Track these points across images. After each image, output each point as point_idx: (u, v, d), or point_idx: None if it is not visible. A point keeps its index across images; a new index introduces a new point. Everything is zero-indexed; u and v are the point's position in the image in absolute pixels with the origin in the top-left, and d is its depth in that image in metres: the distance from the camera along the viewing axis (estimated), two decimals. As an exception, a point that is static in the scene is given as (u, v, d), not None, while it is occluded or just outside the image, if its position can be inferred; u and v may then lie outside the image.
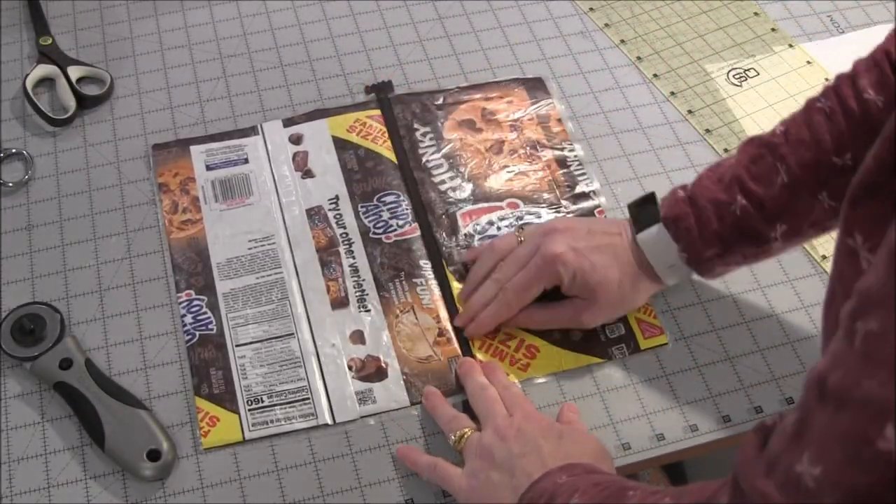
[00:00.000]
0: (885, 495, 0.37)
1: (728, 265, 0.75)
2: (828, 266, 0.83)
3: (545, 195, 0.87)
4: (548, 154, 0.90)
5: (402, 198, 0.86)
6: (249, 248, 0.83)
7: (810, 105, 0.71)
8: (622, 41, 1.00)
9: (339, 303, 0.80)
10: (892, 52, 0.67)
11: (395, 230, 0.84)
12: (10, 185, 0.86)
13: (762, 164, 0.71)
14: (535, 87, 0.95)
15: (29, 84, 0.91)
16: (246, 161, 0.88)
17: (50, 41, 0.96)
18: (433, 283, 0.81)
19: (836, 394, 0.39)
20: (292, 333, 0.78)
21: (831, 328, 0.48)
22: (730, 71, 0.97)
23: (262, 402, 0.74)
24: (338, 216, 0.85)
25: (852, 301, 0.40)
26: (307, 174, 0.88)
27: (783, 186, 0.70)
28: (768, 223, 0.71)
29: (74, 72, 0.93)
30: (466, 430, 0.71)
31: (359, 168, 0.88)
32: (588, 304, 0.76)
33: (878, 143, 0.45)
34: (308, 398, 0.75)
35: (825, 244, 0.85)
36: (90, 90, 0.93)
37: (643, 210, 0.76)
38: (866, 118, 0.67)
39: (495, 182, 0.88)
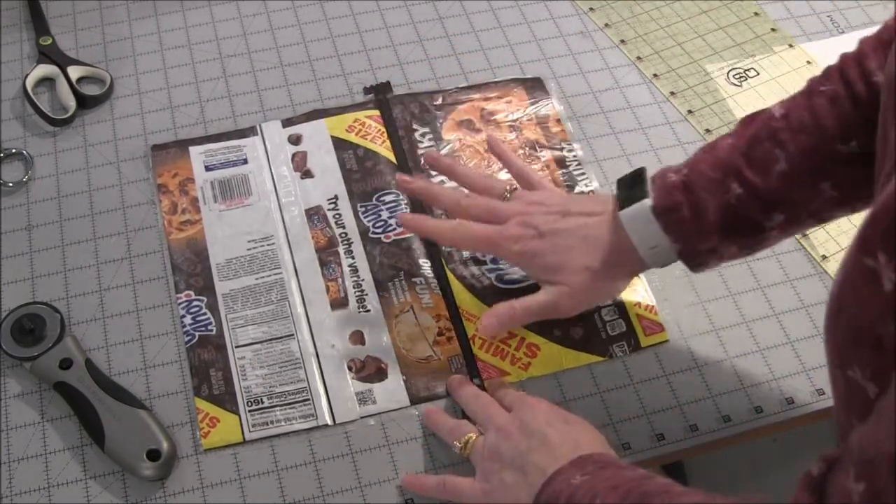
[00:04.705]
0: None
1: (722, 258, 0.71)
2: (828, 266, 0.83)
3: (545, 195, 0.87)
4: (547, 154, 0.90)
5: (401, 197, 0.86)
6: (249, 249, 0.83)
7: (812, 87, 0.67)
8: (622, 41, 1.00)
9: (339, 303, 0.80)
10: None
11: (395, 229, 0.84)
12: (10, 185, 0.86)
13: (760, 150, 0.67)
14: (534, 87, 0.95)
15: (29, 84, 0.91)
16: (245, 161, 0.88)
17: (50, 41, 0.96)
18: (433, 283, 0.81)
19: None
20: (292, 334, 0.78)
21: (838, 341, 0.46)
22: (730, 71, 0.97)
23: (262, 403, 0.74)
24: (337, 216, 0.85)
25: None
26: (306, 174, 0.88)
27: (782, 175, 0.66)
28: (765, 213, 0.67)
29: (74, 72, 0.93)
30: (471, 435, 0.70)
31: (358, 168, 0.88)
32: (558, 290, 0.73)
33: None
34: (308, 399, 0.75)
35: (826, 244, 0.85)
36: (90, 90, 0.93)
37: (631, 187, 0.71)
38: (875, 102, 0.61)
39: (495, 182, 0.88)
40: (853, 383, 0.45)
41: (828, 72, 0.67)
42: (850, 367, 0.46)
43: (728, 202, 0.67)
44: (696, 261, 0.71)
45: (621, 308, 0.80)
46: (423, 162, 0.86)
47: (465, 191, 0.81)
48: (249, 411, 0.74)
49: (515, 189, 0.79)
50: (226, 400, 0.74)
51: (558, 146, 0.91)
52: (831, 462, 0.43)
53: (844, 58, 0.67)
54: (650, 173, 0.72)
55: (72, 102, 0.90)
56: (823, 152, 0.65)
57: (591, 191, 0.88)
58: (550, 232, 0.73)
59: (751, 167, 0.67)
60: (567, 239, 0.73)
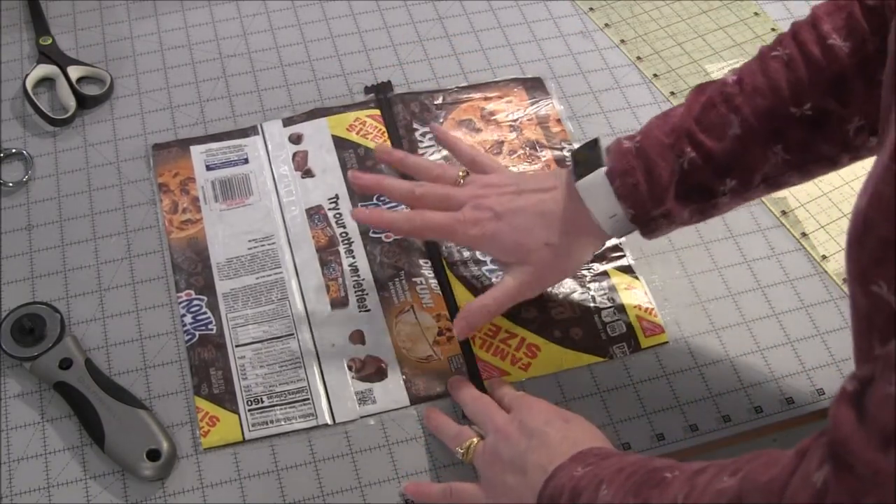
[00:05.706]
0: None
1: (674, 223, 0.70)
2: (828, 266, 0.83)
3: (545, 195, 0.87)
4: (547, 154, 0.90)
5: (401, 198, 0.86)
6: (249, 248, 0.83)
7: (765, 53, 0.68)
8: (622, 41, 1.00)
9: (339, 303, 0.80)
10: None
11: (395, 230, 0.84)
12: (10, 185, 0.86)
13: (714, 115, 0.67)
14: (534, 86, 0.95)
15: (29, 84, 0.91)
16: (246, 161, 0.88)
17: (50, 41, 0.96)
18: (433, 283, 0.81)
19: None
20: (292, 334, 0.78)
21: (864, 258, 0.46)
22: (730, 71, 0.97)
23: (262, 402, 0.74)
24: (338, 216, 0.85)
25: None
26: (307, 174, 0.88)
27: (736, 138, 0.66)
28: (718, 177, 0.68)
29: (74, 72, 0.93)
30: (472, 440, 0.70)
31: (359, 167, 0.88)
32: (522, 270, 0.73)
33: None
34: (308, 398, 0.75)
35: (826, 244, 0.85)
36: (90, 90, 0.93)
37: (586, 157, 0.71)
38: (830, 65, 0.64)
39: (495, 182, 0.88)
40: (877, 299, 0.45)
41: (780, 39, 0.68)
42: (875, 282, 0.45)
43: (681, 166, 0.68)
44: (649, 227, 0.70)
45: (621, 309, 0.80)
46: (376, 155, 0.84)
47: (418, 181, 0.80)
48: (249, 410, 0.74)
49: (468, 174, 0.78)
50: (226, 399, 0.74)
51: (558, 146, 0.91)
52: (864, 380, 0.43)
53: (797, 24, 0.67)
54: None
55: (72, 102, 0.90)
56: (777, 114, 0.66)
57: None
58: (507, 212, 0.73)
59: (704, 131, 0.67)
60: (524, 217, 0.73)
